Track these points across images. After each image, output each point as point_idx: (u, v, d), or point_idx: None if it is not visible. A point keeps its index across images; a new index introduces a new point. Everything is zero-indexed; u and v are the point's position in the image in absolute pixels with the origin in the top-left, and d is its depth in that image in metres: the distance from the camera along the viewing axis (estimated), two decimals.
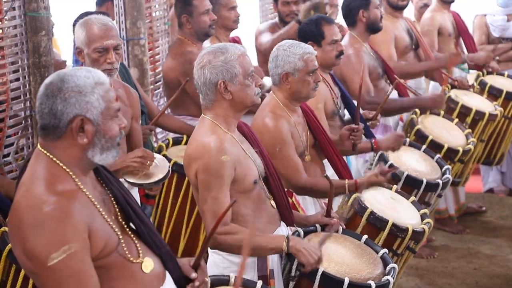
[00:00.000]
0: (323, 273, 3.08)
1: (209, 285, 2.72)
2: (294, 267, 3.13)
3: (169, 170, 3.72)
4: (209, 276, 2.77)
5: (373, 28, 5.29)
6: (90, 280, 2.24)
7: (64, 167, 2.30)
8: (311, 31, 4.44)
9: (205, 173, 3.06)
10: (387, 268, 3.27)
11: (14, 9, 4.04)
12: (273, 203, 3.31)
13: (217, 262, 3.23)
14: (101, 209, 2.35)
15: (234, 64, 3.10)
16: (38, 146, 2.34)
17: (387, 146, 4.44)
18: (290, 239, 3.10)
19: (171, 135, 4.86)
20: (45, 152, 2.31)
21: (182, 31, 4.92)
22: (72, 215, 2.22)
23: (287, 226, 3.37)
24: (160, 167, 3.71)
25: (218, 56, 3.11)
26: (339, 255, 3.27)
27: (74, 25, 4.21)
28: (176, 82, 4.80)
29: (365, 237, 3.45)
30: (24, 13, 4.08)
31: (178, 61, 4.79)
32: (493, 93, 5.91)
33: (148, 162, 3.61)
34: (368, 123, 4.54)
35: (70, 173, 2.31)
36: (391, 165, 4.39)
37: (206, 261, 3.31)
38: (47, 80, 2.32)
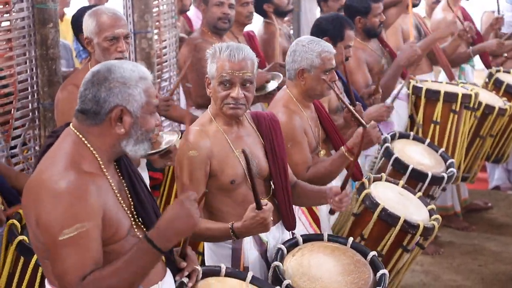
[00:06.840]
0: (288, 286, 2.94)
1: (200, 274, 2.72)
2: None
3: (178, 136, 3.74)
4: (201, 266, 2.77)
5: (369, 34, 5.20)
6: (92, 259, 2.25)
7: (93, 151, 2.35)
8: (333, 29, 4.40)
9: (176, 164, 3.10)
10: None
11: (22, 1, 4.04)
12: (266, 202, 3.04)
13: (212, 255, 3.21)
14: (119, 197, 2.40)
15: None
16: (71, 127, 2.38)
17: (371, 117, 4.30)
18: (235, 229, 2.98)
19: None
20: (78, 133, 2.36)
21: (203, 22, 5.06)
22: (90, 195, 2.26)
23: (289, 231, 3.30)
24: (166, 137, 3.72)
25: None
26: (322, 269, 3.07)
27: None
28: (182, 68, 4.92)
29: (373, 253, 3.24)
30: (32, 5, 4.08)
31: (189, 47, 4.90)
32: (510, 92, 5.88)
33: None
34: (372, 98, 4.51)
35: (98, 158, 2.36)
36: (396, 159, 4.36)
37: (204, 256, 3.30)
38: (94, 68, 2.37)
